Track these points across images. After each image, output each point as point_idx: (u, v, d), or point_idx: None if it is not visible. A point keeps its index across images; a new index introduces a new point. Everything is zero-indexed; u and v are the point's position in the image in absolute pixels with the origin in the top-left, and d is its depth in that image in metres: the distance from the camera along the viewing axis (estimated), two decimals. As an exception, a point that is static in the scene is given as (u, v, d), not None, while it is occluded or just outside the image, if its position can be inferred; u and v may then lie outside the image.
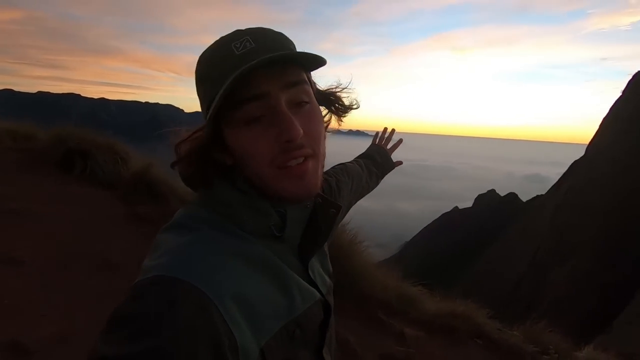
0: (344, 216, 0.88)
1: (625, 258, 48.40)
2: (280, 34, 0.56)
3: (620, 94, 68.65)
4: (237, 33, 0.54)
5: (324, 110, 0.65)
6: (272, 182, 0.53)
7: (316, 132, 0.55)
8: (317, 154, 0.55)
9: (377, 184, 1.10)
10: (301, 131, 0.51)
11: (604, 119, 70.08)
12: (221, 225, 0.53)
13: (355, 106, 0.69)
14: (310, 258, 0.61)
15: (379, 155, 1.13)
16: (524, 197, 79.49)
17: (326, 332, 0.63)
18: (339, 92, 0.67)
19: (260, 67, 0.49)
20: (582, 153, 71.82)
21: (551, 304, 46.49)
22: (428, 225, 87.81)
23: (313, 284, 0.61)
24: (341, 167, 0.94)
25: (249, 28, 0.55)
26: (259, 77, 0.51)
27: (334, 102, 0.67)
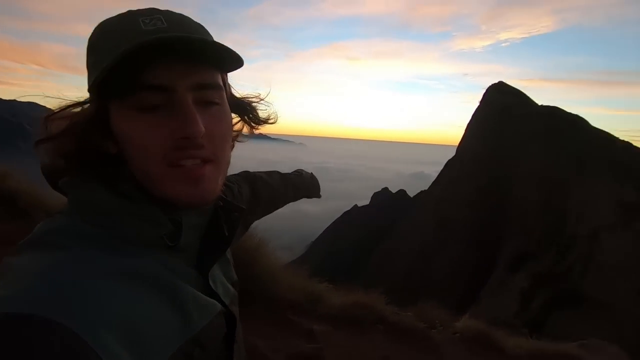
0: (248, 226, 0.85)
1: (487, 241, 58.41)
2: (200, 25, 0.49)
3: (479, 104, 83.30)
4: (151, 9, 0.47)
5: (235, 118, 0.59)
6: (161, 181, 0.46)
7: (221, 136, 0.49)
8: (218, 160, 0.49)
9: (295, 198, 1.05)
10: (203, 129, 0.45)
11: (468, 124, 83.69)
12: (96, 238, 0.44)
13: (271, 120, 0.64)
14: (210, 267, 0.54)
15: (312, 179, 1.11)
16: (412, 193, 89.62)
17: (233, 345, 0.56)
18: (256, 102, 0.61)
19: (169, 43, 0.42)
20: (454, 153, 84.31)
21: (436, 284, 53.23)
22: (331, 224, 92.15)
23: (214, 295, 0.53)
24: (246, 175, 0.88)
25: (167, 10, 0.48)
26: (168, 69, 0.44)
27: (249, 112, 0.61)
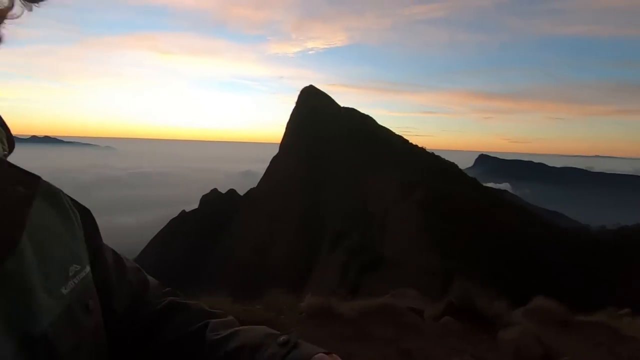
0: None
1: (313, 227, 64.99)
2: None
3: (295, 104, 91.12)
4: None
5: None
6: None
7: None
8: None
9: None
10: None
11: (287, 123, 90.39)
12: None
13: None
14: None
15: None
16: (242, 192, 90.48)
17: None
18: None
19: None
20: (277, 150, 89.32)
21: (273, 273, 55.74)
22: (157, 234, 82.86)
23: None
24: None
25: None
26: None
27: None
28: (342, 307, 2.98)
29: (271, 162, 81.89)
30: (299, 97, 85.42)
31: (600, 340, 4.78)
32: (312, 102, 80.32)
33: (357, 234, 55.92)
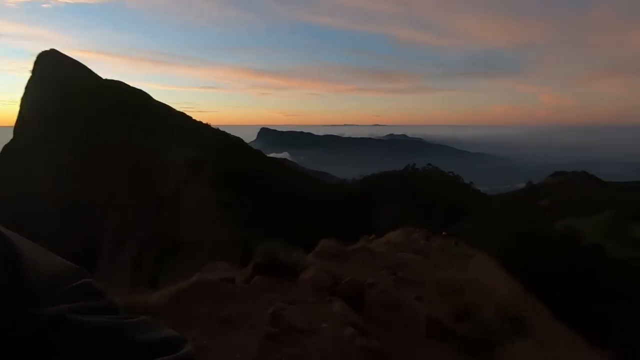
0: None
1: (83, 225, 53.73)
2: None
3: (31, 74, 69.21)
4: None
5: None
6: None
7: None
8: None
9: None
10: None
11: (23, 100, 68.21)
12: None
13: None
14: None
15: None
16: (-46, 199, 63.12)
17: None
18: None
19: None
20: (10, 135, 66.78)
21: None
22: None
23: None
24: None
25: None
26: None
27: None
28: (149, 299, 2.69)
29: (3, 153, 60.61)
30: (36, 64, 65.48)
31: (363, 260, 6.41)
32: (57, 72, 63.23)
33: (146, 223, 50.61)
